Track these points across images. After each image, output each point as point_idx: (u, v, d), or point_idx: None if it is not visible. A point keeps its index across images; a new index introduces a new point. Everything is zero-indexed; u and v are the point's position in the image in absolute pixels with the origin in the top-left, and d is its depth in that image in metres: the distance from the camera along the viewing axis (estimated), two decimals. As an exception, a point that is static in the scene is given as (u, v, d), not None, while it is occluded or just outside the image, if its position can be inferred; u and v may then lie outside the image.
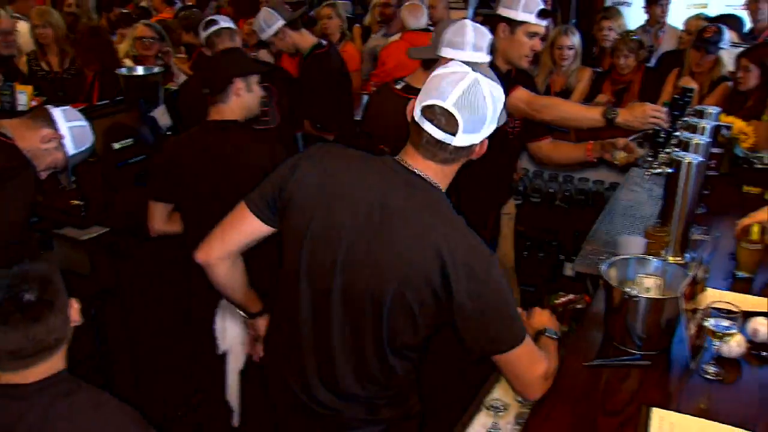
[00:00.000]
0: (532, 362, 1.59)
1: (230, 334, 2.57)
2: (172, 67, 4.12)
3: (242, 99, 2.50)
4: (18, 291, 1.45)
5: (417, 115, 1.51)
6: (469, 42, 2.40)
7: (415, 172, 1.55)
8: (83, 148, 2.43)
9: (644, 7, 5.16)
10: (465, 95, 1.46)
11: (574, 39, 4.19)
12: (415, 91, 2.22)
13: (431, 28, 4.91)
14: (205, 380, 2.82)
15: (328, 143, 1.76)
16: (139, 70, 3.55)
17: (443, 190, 1.58)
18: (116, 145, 3.06)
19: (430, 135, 1.50)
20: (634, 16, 6.23)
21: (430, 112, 1.48)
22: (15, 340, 1.44)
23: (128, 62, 3.91)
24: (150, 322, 3.07)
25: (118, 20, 5.55)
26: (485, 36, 2.45)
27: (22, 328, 1.44)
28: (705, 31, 3.96)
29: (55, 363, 1.53)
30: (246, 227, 1.71)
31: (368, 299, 1.55)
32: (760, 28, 4.75)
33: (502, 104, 1.55)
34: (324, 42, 3.82)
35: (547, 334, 1.80)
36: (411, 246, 1.49)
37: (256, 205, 1.68)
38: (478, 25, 2.49)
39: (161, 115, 3.36)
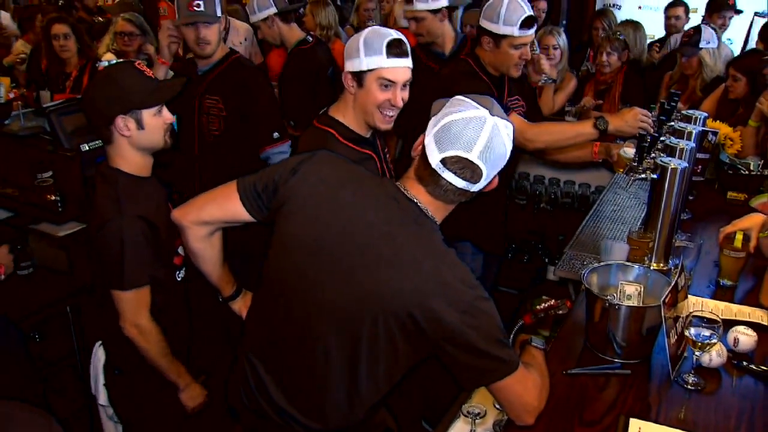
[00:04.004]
0: (525, 389, 1.56)
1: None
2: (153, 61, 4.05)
3: (133, 139, 1.96)
4: None
5: (435, 164, 1.46)
6: (501, 15, 2.50)
7: (414, 202, 1.53)
8: None
9: (703, 16, 4.92)
10: (488, 145, 1.43)
11: (560, 39, 4.17)
12: (330, 121, 2.15)
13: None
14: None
15: (333, 153, 1.70)
16: (121, 64, 3.48)
17: (438, 223, 1.56)
18: (86, 147, 2.98)
19: (451, 184, 1.47)
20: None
21: (453, 163, 1.45)
22: None
23: (110, 56, 3.84)
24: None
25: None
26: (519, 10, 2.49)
27: None
28: (684, 35, 3.98)
29: None
30: (227, 205, 1.68)
31: (347, 320, 1.51)
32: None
33: None
34: (310, 38, 3.76)
35: (533, 343, 1.77)
36: (396, 276, 1.46)
37: (245, 190, 1.64)
38: None
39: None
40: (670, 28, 4.91)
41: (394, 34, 2.05)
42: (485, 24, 2.58)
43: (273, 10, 3.58)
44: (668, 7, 4.97)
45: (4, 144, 3.20)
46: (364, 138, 2.17)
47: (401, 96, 2.07)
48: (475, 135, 1.43)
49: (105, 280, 1.97)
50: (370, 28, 2.10)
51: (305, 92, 3.57)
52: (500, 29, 2.52)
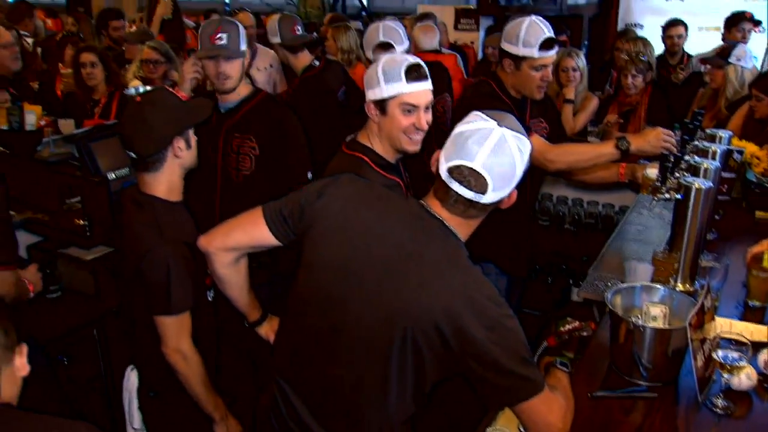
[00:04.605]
0: (550, 410, 1.54)
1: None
2: (180, 88, 4.12)
3: (183, 159, 2.00)
4: None
5: (444, 174, 1.49)
6: (520, 37, 2.53)
7: (438, 219, 1.54)
8: None
9: (723, 33, 4.87)
10: (493, 154, 1.44)
11: (579, 61, 4.18)
12: (360, 148, 2.16)
13: (444, 50, 4.90)
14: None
15: (357, 176, 1.73)
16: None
17: (463, 240, 1.56)
18: (112, 175, 3.03)
19: (459, 194, 1.49)
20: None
21: (458, 172, 1.47)
22: None
23: (136, 83, 3.93)
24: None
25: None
26: (539, 32, 2.52)
27: None
28: (719, 48, 3.98)
29: None
30: (253, 231, 1.70)
31: (376, 340, 1.52)
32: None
33: (529, 154, 1.52)
34: (316, 63, 3.72)
35: (558, 365, 1.76)
36: (424, 293, 1.47)
37: (271, 215, 1.67)
38: (537, 21, 2.54)
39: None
40: (673, 47, 4.92)
41: (411, 59, 2.07)
42: (506, 46, 2.61)
43: (277, 39, 3.64)
44: (669, 26, 4.98)
45: (35, 171, 3.28)
46: (391, 164, 2.19)
47: (425, 119, 2.09)
48: (478, 144, 1.44)
49: (148, 307, 1.96)
50: (387, 55, 2.12)
51: (311, 119, 3.32)
52: (520, 51, 2.55)
